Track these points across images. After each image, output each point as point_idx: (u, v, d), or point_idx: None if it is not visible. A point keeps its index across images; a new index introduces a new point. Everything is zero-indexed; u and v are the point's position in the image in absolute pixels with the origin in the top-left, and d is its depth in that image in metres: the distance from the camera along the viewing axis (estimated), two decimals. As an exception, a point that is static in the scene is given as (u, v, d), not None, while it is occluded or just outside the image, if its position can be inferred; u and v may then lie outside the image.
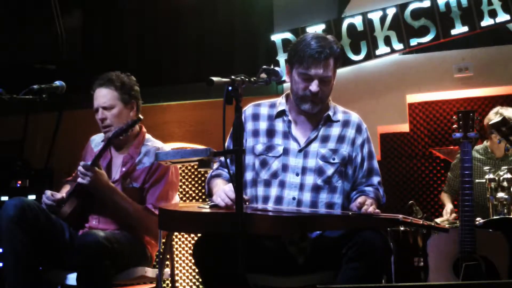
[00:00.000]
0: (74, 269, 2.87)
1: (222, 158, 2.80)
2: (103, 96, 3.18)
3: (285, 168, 2.70)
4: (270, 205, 2.66)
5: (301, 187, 2.67)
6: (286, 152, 2.72)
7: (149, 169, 3.16)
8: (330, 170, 2.69)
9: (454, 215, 4.08)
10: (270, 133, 2.77)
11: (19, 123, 4.89)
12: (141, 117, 3.16)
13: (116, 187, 3.08)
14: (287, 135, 2.75)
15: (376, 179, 2.79)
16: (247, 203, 2.56)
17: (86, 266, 2.76)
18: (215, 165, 2.82)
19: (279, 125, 2.78)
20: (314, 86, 2.64)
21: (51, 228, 2.98)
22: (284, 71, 2.67)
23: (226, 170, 2.79)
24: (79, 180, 2.99)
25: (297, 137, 2.74)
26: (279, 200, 2.67)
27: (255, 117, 2.81)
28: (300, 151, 2.71)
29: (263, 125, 2.79)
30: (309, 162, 2.70)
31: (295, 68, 2.68)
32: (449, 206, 4.19)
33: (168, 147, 3.38)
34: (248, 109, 2.84)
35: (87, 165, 2.98)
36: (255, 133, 2.78)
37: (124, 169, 3.17)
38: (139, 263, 3.07)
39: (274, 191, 2.68)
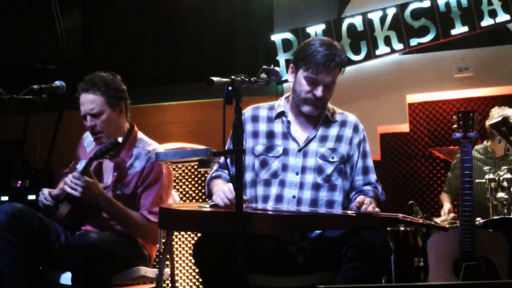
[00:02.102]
0: (70, 270, 2.85)
1: (222, 160, 2.80)
2: (90, 102, 3.04)
3: (285, 167, 2.71)
4: (270, 205, 2.66)
5: (301, 185, 2.68)
6: (285, 152, 2.73)
7: (140, 173, 3.07)
8: (329, 169, 2.70)
9: (452, 214, 4.08)
10: (270, 134, 2.78)
11: (19, 123, 4.92)
12: (120, 140, 2.97)
13: (109, 195, 3.01)
14: (286, 135, 2.76)
15: (373, 177, 2.81)
16: (246, 203, 2.56)
17: (82, 267, 2.74)
18: (215, 167, 2.83)
19: (278, 126, 2.79)
20: (319, 91, 2.67)
21: (45, 232, 2.95)
22: (285, 71, 2.68)
23: (225, 171, 2.80)
24: (69, 190, 2.91)
25: (296, 137, 2.76)
26: (279, 198, 2.68)
27: (255, 119, 2.83)
28: (299, 150, 2.73)
29: (262, 126, 2.80)
30: (308, 161, 2.71)
31: (301, 70, 2.69)
32: (446, 206, 4.19)
33: (162, 147, 3.30)
34: (247, 112, 2.85)
35: (77, 175, 2.91)
36: (255, 134, 2.79)
37: (116, 173, 3.09)
38: (138, 264, 3.05)
39: (274, 190, 2.69)
